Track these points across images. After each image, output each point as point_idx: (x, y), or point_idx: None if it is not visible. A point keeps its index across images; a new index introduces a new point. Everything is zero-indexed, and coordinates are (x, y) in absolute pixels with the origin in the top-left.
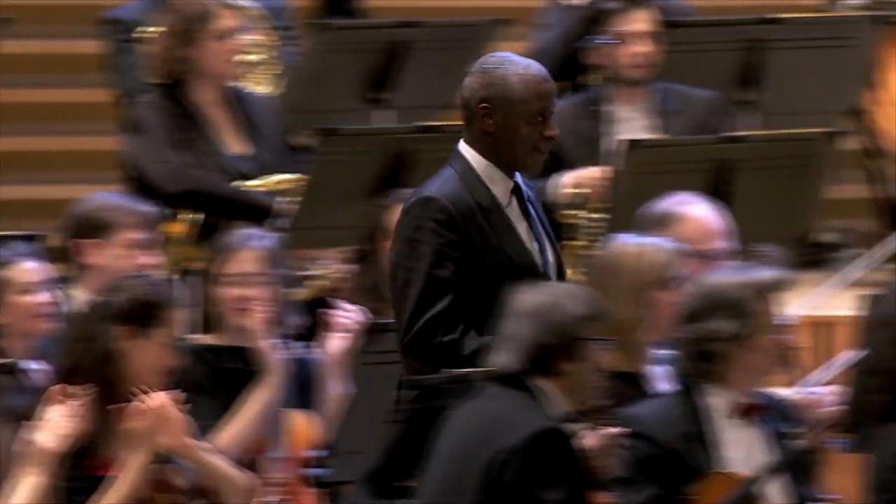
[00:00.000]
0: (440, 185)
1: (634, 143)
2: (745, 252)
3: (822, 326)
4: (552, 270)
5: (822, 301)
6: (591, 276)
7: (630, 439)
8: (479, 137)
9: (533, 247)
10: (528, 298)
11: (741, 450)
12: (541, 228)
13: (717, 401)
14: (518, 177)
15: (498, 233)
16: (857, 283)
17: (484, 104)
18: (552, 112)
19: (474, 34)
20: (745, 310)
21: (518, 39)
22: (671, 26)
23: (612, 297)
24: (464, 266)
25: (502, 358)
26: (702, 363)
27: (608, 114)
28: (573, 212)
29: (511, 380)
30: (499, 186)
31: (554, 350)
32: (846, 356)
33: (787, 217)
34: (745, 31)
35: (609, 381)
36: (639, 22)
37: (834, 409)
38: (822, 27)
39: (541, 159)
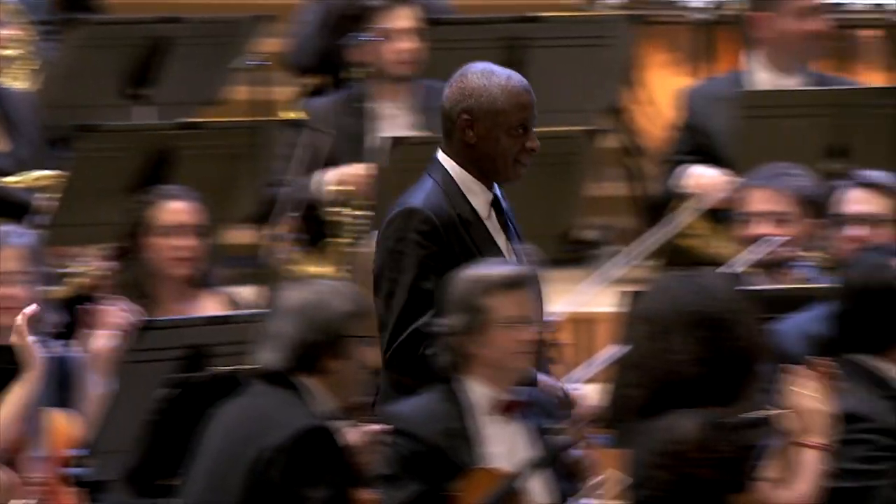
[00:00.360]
0: (422, 195)
1: (398, 141)
2: None
3: (583, 323)
4: None
5: (583, 298)
6: (354, 274)
7: (393, 436)
8: (459, 149)
9: (512, 260)
10: (293, 296)
11: (504, 446)
12: (517, 241)
13: (479, 397)
14: (497, 189)
15: (479, 245)
16: (618, 280)
17: (465, 115)
18: (533, 124)
19: (236, 30)
20: (471, 305)
21: (280, 36)
22: (433, 24)
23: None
24: (446, 277)
25: (268, 355)
26: (447, 357)
27: (371, 111)
28: (337, 209)
29: (276, 377)
30: (479, 198)
31: (319, 347)
32: (608, 352)
33: (548, 214)
34: (506, 30)
35: (373, 378)
36: (402, 19)
37: (595, 404)
38: (581, 26)
39: (522, 171)
